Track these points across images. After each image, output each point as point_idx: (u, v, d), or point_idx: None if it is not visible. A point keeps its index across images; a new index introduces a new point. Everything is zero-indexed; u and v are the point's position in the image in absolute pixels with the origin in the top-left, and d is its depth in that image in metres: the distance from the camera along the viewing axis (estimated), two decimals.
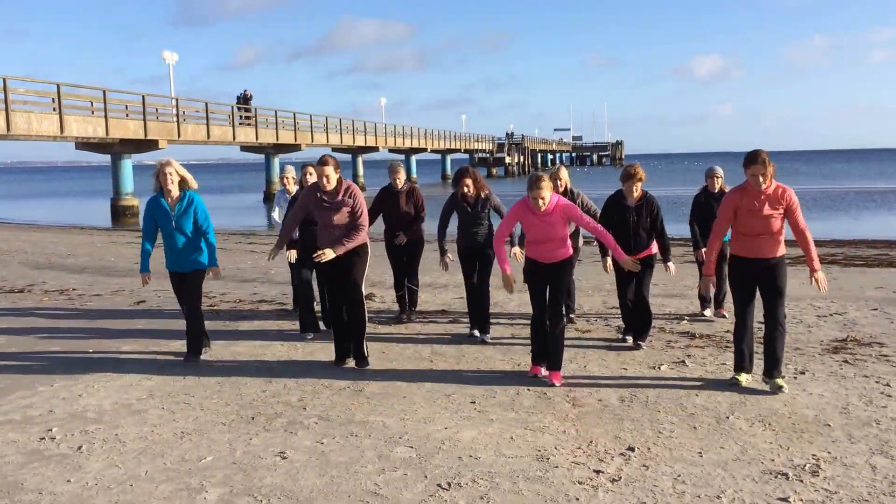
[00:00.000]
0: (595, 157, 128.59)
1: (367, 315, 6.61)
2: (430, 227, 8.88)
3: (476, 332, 7.44)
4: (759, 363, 5.87)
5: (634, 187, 6.83)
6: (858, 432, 4.75)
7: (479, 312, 7.48)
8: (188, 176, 6.62)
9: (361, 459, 4.46)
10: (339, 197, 6.33)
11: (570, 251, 6.05)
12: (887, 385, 5.70)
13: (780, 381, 5.62)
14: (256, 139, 38.41)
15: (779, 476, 4.12)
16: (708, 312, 8.21)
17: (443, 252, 7.80)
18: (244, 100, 38.13)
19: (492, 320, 7.62)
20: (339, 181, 6.37)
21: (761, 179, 5.46)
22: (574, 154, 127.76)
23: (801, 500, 3.84)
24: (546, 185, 5.82)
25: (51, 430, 5.05)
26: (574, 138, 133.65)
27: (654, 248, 6.99)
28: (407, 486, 4.09)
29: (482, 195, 7.47)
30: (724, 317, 8.09)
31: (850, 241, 16.59)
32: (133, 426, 5.10)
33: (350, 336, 6.53)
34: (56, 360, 6.84)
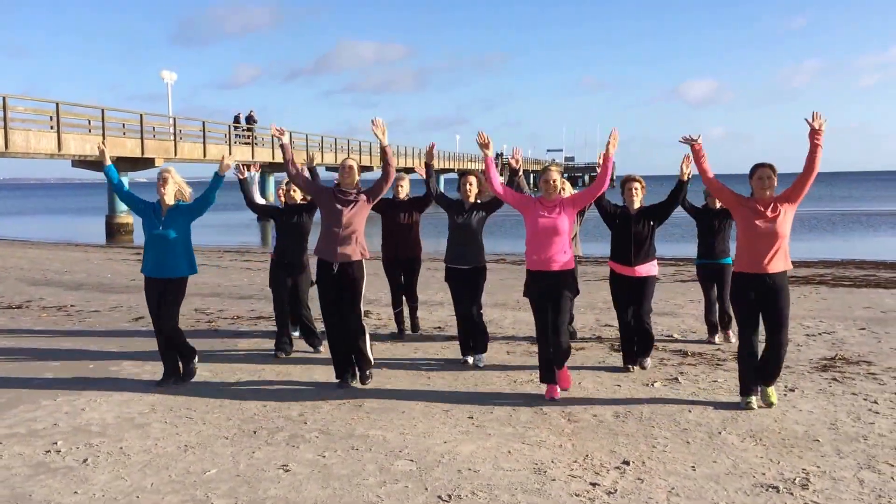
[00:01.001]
0: (587, 177, 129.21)
1: (368, 337, 6.56)
2: (427, 245, 9.04)
3: (469, 359, 7.14)
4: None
5: (634, 189, 6.74)
6: (847, 447, 4.88)
7: (471, 337, 7.16)
8: (185, 188, 6.61)
9: (363, 472, 4.56)
10: (354, 194, 6.39)
11: (573, 263, 6.07)
12: (875, 402, 5.84)
13: (771, 392, 5.75)
14: (252, 158, 38.54)
15: (769, 489, 4.25)
16: (718, 339, 8.00)
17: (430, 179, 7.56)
18: (249, 120, 38.73)
19: (489, 339, 7.63)
20: (358, 183, 6.48)
21: (767, 183, 5.57)
22: (566, 175, 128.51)
23: None
24: (555, 169, 6.08)
25: (56, 443, 5.13)
26: (566, 159, 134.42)
27: (655, 269, 6.86)
28: (408, 497, 4.20)
29: (479, 200, 7.21)
30: (730, 341, 7.87)
31: (838, 262, 16.81)
32: (137, 439, 5.19)
33: (351, 359, 6.53)
34: (57, 375, 6.92)
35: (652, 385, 6.44)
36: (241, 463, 4.74)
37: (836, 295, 11.52)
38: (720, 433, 5.19)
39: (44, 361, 7.50)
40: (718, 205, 7.82)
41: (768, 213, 5.56)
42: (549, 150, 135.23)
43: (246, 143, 38.28)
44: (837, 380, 6.51)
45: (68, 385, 6.57)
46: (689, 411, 5.68)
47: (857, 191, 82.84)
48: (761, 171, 5.63)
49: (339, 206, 6.34)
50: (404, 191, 8.32)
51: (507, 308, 10.35)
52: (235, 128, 37.59)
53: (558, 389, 6.09)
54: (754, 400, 5.73)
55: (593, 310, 10.09)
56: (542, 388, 6.17)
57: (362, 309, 6.51)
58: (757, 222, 5.55)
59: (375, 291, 11.00)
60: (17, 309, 10.83)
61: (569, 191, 7.40)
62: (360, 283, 6.40)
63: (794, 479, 4.37)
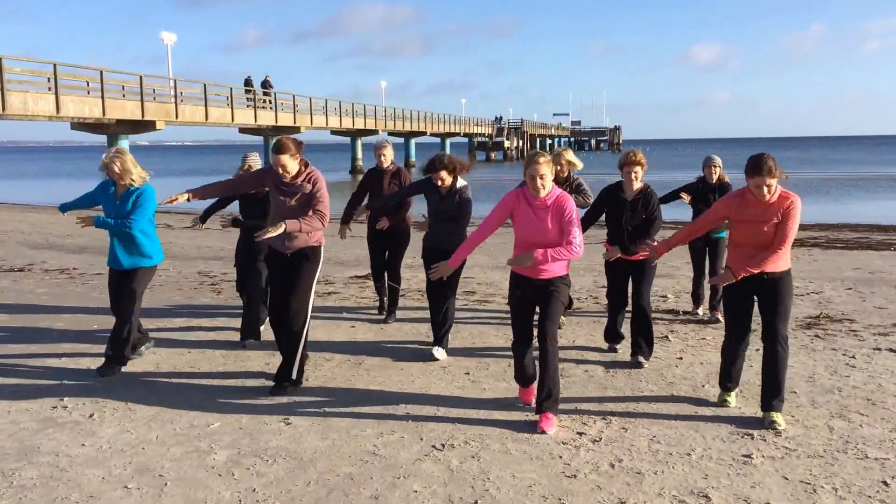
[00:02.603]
0: (593, 141, 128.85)
1: (305, 334, 5.54)
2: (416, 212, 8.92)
3: (433, 350, 6.30)
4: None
5: (634, 173, 5.99)
6: (821, 398, 5.11)
7: (438, 325, 6.42)
8: (135, 172, 5.89)
9: (361, 424, 4.78)
10: (299, 181, 5.41)
11: (567, 269, 4.91)
12: (853, 357, 6.06)
13: (776, 415, 4.70)
14: (255, 121, 38.50)
15: (745, 436, 4.48)
16: (700, 311, 7.75)
17: (351, 219, 7.08)
18: (264, 85, 39.49)
19: (487, 298, 7.76)
20: (303, 166, 5.44)
21: (766, 191, 4.66)
22: (572, 139, 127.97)
23: (763, 456, 4.19)
24: (545, 161, 4.77)
25: (62, 399, 5.33)
26: (573, 123, 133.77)
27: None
28: (404, 447, 4.42)
29: (456, 186, 6.40)
30: (718, 320, 7.30)
31: (833, 225, 16.97)
32: (142, 396, 5.40)
33: (281, 348, 5.57)
34: (61, 336, 7.12)
35: None
36: (243, 417, 4.95)
37: (827, 257, 11.71)
38: (703, 386, 5.41)
39: (48, 322, 7.70)
40: (715, 178, 7.54)
41: (763, 222, 4.76)
42: (555, 115, 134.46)
43: (261, 108, 38.69)
44: (819, 336, 6.72)
45: (73, 345, 6.77)
46: (676, 367, 5.90)
47: (857, 154, 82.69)
48: (758, 179, 4.67)
49: (282, 198, 5.43)
50: (388, 159, 7.49)
51: (508, 271, 10.52)
52: (247, 91, 38.03)
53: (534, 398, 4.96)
54: (731, 397, 5.10)
55: (591, 272, 10.27)
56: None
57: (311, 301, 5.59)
58: (750, 233, 4.81)
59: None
60: (20, 272, 11.01)
61: (575, 161, 7.01)
62: (312, 264, 5.53)
63: (769, 428, 4.59)
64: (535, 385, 4.97)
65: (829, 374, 5.64)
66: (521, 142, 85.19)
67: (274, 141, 5.39)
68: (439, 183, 6.37)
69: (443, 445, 4.42)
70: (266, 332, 7.20)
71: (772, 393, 4.73)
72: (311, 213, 5.29)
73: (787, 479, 3.92)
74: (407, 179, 7.42)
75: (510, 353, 6.24)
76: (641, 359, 6.00)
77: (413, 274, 9.65)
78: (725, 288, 4.95)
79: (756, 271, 4.72)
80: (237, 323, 7.53)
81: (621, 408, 5.00)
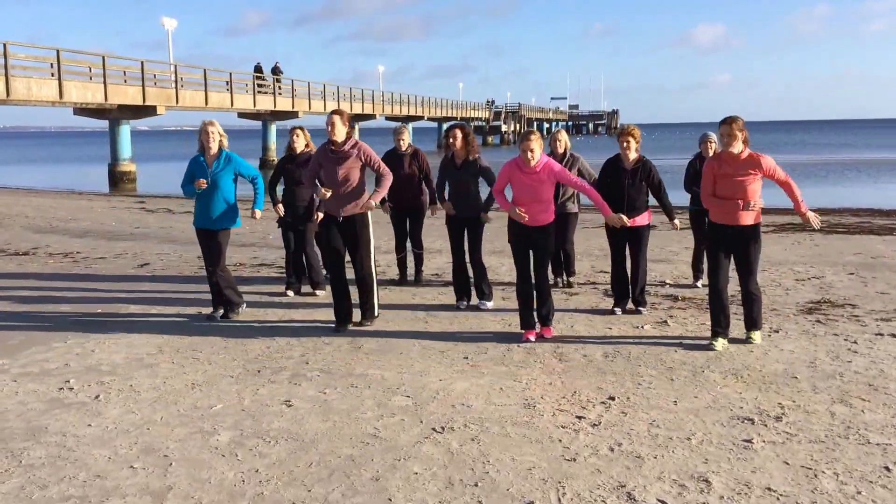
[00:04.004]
0: (591, 125, 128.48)
1: (376, 282, 6.87)
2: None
3: (464, 303, 7.45)
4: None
5: (626, 144, 6.92)
6: (823, 384, 5.12)
7: (469, 283, 7.49)
8: (224, 137, 7.05)
9: (361, 407, 4.81)
10: (347, 149, 6.50)
11: (553, 216, 6.31)
12: (854, 342, 6.06)
13: (754, 334, 6.06)
14: (254, 106, 38.48)
15: (745, 421, 4.49)
16: (700, 283, 8.22)
17: (442, 201, 7.67)
18: (275, 71, 40.39)
19: (496, 287, 7.90)
20: (349, 135, 6.56)
21: (726, 141, 5.73)
22: (570, 123, 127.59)
23: (764, 441, 4.20)
24: (535, 137, 6.09)
25: (68, 381, 5.38)
26: (570, 107, 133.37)
27: (648, 217, 7.04)
28: (404, 429, 4.44)
29: (471, 157, 7.33)
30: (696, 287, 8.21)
31: (835, 210, 16.92)
32: (146, 378, 5.44)
33: (353, 299, 6.81)
34: (66, 319, 7.16)
35: (641, 327, 6.66)
36: (245, 399, 4.98)
37: (828, 241, 11.70)
38: (703, 371, 5.42)
39: (53, 305, 7.74)
40: (711, 153, 7.69)
41: (735, 175, 5.80)
42: (553, 98, 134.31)
43: (262, 93, 39.11)
44: (821, 321, 6.72)
45: (78, 328, 6.81)
46: (676, 351, 5.91)
47: (859, 137, 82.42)
48: (722, 128, 5.79)
49: (332, 167, 6.54)
50: (405, 143, 8.46)
51: (504, 255, 10.52)
52: (258, 77, 38.64)
53: (533, 335, 6.28)
54: (719, 343, 5.94)
55: (589, 257, 10.28)
56: (537, 329, 6.39)
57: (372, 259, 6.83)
58: (725, 185, 5.85)
59: (377, 238, 11.15)
60: (24, 256, 11.06)
61: (564, 140, 7.86)
62: (366, 229, 6.69)
63: (770, 413, 4.61)
64: (536, 321, 6.34)
65: (831, 360, 5.64)
66: (518, 125, 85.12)
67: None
68: (452, 140, 7.35)
69: (443, 428, 4.44)
70: (266, 322, 7.25)
71: (749, 323, 6.08)
72: (378, 177, 6.67)
73: (788, 464, 3.93)
74: (424, 161, 8.49)
75: (509, 336, 6.36)
76: (642, 308, 7.11)
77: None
78: (708, 238, 6.12)
79: (801, 205, 5.90)
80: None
81: (620, 392, 5.01)
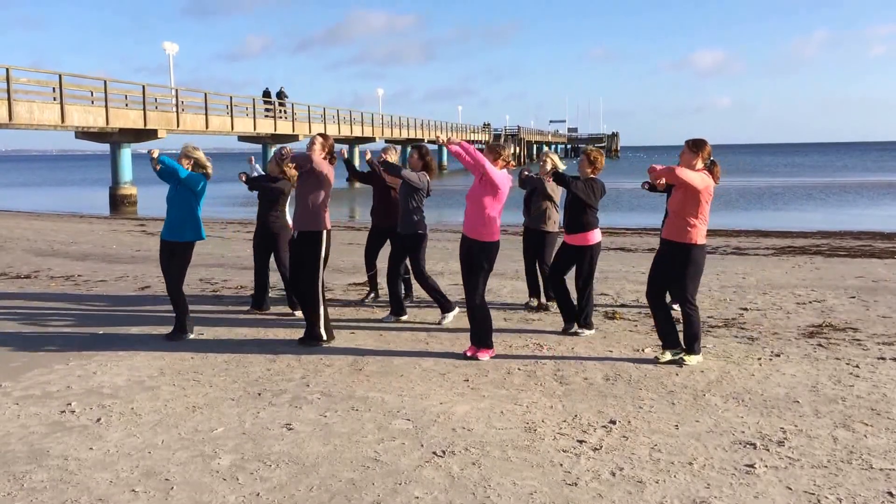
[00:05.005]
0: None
1: (320, 298, 6.91)
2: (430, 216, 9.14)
3: (390, 318, 7.87)
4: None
5: (582, 166, 7.21)
6: (825, 408, 5.11)
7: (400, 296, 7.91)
8: (206, 163, 7.24)
9: (362, 430, 4.80)
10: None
11: (480, 234, 6.25)
12: (856, 367, 6.06)
13: (688, 357, 6.14)
14: (254, 129, 38.70)
15: (747, 446, 4.48)
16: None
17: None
18: (280, 95, 41.43)
19: (492, 305, 7.94)
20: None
21: (680, 160, 6.08)
22: (569, 145, 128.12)
23: (767, 466, 4.19)
24: (488, 154, 6.35)
25: (70, 404, 5.37)
26: (569, 130, 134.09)
27: (593, 237, 7.10)
28: (405, 453, 4.44)
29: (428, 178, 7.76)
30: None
31: (836, 233, 16.98)
32: (147, 401, 5.43)
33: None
34: (68, 341, 7.15)
35: (642, 350, 6.66)
36: (246, 422, 4.98)
37: (830, 265, 11.72)
38: (704, 395, 5.41)
39: (55, 327, 7.74)
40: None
41: (676, 190, 6.10)
42: (551, 121, 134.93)
43: (281, 118, 40.27)
44: (823, 345, 6.73)
45: (80, 350, 6.80)
46: (677, 375, 5.91)
47: (858, 160, 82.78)
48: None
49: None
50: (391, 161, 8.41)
51: (505, 278, 10.56)
52: (265, 101, 39.70)
53: (474, 350, 6.44)
54: (666, 355, 6.24)
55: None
56: (538, 352, 6.42)
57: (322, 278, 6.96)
58: (672, 199, 6.21)
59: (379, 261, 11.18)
60: (26, 279, 11.06)
61: (558, 162, 7.87)
62: (314, 248, 6.86)
63: (772, 437, 4.60)
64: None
65: (833, 384, 5.64)
66: (517, 148, 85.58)
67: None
68: (415, 158, 7.83)
69: (443, 452, 4.44)
70: (267, 344, 7.25)
71: (689, 340, 6.15)
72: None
73: (790, 489, 3.92)
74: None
75: (509, 359, 6.36)
76: (585, 330, 7.24)
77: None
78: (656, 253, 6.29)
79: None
80: (239, 329, 7.58)
81: (621, 416, 5.01)
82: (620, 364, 6.23)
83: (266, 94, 40.85)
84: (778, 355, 6.42)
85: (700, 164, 5.99)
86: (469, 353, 6.42)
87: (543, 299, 8.38)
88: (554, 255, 7.55)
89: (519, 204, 8.58)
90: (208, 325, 7.77)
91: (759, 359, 6.31)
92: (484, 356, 6.37)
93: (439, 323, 7.68)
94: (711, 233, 18.21)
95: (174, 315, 7.26)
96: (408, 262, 8.06)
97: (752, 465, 4.19)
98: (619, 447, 4.49)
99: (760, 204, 30.96)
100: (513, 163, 6.67)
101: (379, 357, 6.51)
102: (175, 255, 7.15)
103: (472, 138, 79.23)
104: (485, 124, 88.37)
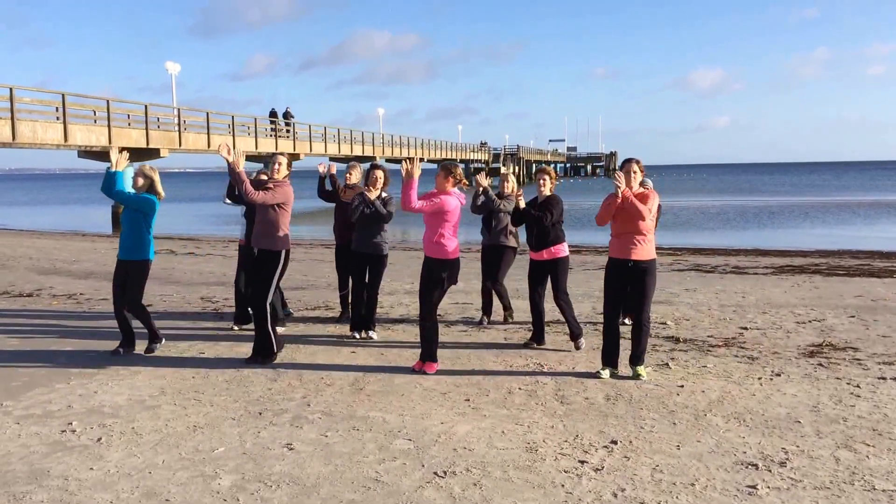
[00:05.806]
0: (589, 167, 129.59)
1: (268, 313, 7.02)
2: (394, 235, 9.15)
3: (357, 335, 7.94)
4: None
5: (542, 181, 7.46)
6: (826, 428, 5.11)
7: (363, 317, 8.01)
8: (160, 190, 7.60)
9: (363, 450, 4.79)
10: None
11: (435, 251, 6.54)
12: (857, 386, 6.06)
13: (640, 369, 6.35)
14: (256, 148, 38.84)
15: (749, 466, 4.47)
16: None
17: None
18: (286, 116, 41.96)
19: (492, 326, 8.02)
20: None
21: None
22: (568, 164, 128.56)
23: (769, 487, 4.19)
24: (441, 173, 6.68)
25: (71, 423, 5.37)
26: (569, 149, 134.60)
27: (560, 250, 7.39)
28: (406, 473, 4.43)
29: (383, 195, 7.86)
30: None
31: (835, 252, 16.99)
32: (148, 420, 5.43)
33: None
34: (70, 360, 7.16)
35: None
36: (247, 442, 4.97)
37: (829, 284, 11.72)
38: (706, 415, 5.41)
39: (56, 346, 7.75)
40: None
41: (630, 209, 6.23)
42: (551, 140, 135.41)
43: (283, 138, 40.39)
44: (823, 365, 6.73)
45: (81, 368, 6.81)
46: (678, 394, 5.90)
47: (857, 180, 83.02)
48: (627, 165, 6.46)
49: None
50: (353, 179, 8.45)
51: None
52: (272, 122, 40.24)
53: (420, 365, 6.67)
54: (606, 372, 6.41)
55: (590, 298, 10.31)
56: (540, 369, 6.45)
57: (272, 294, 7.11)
58: (623, 219, 6.30)
59: (389, 282, 11.19)
60: (29, 297, 11.08)
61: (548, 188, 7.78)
62: (271, 265, 7.05)
63: (774, 458, 4.59)
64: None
65: (834, 404, 5.63)
66: (517, 168, 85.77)
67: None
68: (375, 178, 7.86)
69: (444, 472, 4.43)
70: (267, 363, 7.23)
71: (634, 357, 6.36)
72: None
73: None
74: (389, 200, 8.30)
75: (510, 378, 6.37)
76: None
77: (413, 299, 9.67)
78: (606, 273, 6.41)
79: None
80: (239, 347, 7.59)
81: (622, 436, 5.00)
82: (621, 383, 6.23)
83: (272, 114, 41.19)
84: (779, 375, 6.42)
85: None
86: (416, 368, 6.67)
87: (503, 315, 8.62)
88: (528, 275, 7.64)
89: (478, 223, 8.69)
90: (209, 343, 7.78)
91: (760, 378, 6.31)
92: (431, 370, 6.60)
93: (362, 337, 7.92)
94: (711, 251, 18.24)
95: (144, 330, 7.52)
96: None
97: (754, 486, 4.19)
98: (620, 468, 4.48)
99: (759, 223, 31.05)
100: (465, 181, 6.86)
101: (380, 376, 6.51)
102: (129, 275, 7.47)
103: (470, 157, 79.42)
104: (482, 143, 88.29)
